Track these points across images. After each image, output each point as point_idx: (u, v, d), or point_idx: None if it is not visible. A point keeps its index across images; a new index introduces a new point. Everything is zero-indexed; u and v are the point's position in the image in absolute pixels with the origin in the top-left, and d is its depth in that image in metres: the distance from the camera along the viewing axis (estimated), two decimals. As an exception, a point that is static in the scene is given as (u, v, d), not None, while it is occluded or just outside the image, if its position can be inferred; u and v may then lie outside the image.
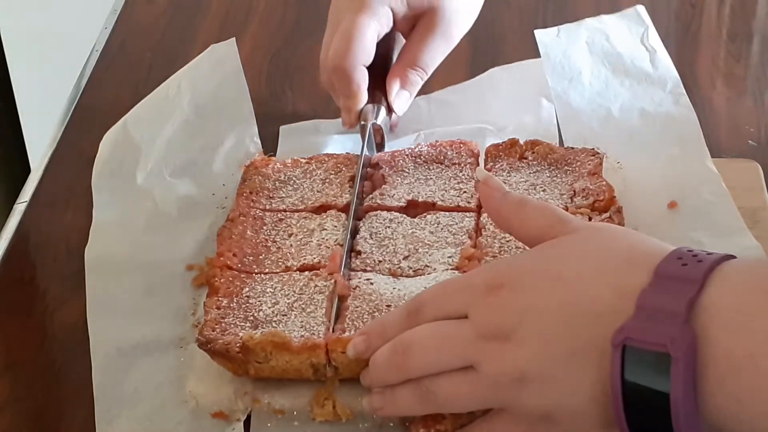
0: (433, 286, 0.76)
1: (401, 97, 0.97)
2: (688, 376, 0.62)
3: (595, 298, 0.66)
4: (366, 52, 0.94)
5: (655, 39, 1.04)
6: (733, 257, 0.66)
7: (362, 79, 0.95)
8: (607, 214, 0.85)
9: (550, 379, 0.66)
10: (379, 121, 0.95)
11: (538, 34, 1.04)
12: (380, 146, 0.96)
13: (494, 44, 1.11)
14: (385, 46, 0.98)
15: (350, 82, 0.94)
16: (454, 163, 0.91)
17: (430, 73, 0.98)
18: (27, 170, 1.31)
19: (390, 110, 0.97)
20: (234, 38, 1.04)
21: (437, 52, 0.98)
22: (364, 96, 0.95)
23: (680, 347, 0.62)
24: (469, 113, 1.02)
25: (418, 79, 0.98)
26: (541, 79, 1.02)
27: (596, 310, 0.65)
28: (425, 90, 1.01)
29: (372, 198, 0.89)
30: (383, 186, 0.90)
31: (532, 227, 0.73)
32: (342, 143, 0.98)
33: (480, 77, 1.05)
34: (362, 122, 0.95)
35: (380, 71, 0.98)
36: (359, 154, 0.93)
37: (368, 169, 0.93)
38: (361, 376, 0.75)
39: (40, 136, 1.13)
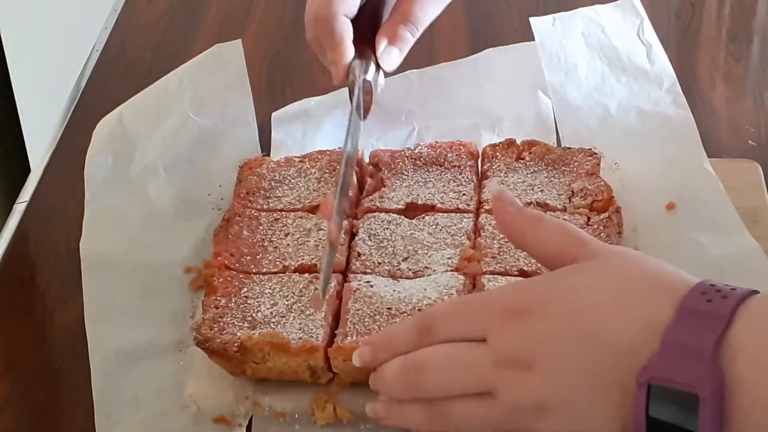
0: (444, 303, 0.75)
1: (389, 52, 0.92)
2: (715, 416, 0.61)
3: (618, 331, 0.65)
4: (348, 1, 0.91)
5: (650, 33, 1.03)
6: (757, 292, 0.65)
7: (345, 30, 0.91)
8: (606, 214, 0.85)
9: (570, 411, 0.65)
10: (368, 77, 0.91)
11: (534, 21, 1.04)
12: (368, 106, 0.91)
13: (493, 41, 1.11)
14: (375, 2, 0.95)
15: (332, 33, 0.90)
16: (454, 166, 0.91)
17: (422, 29, 0.94)
18: (27, 170, 1.31)
19: (379, 67, 0.93)
20: (240, 40, 1.04)
21: (430, 9, 0.94)
22: (348, 48, 0.91)
23: (707, 387, 0.61)
24: (463, 95, 1.01)
25: (408, 35, 0.93)
26: (537, 65, 1.01)
27: (620, 344, 0.64)
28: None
29: (371, 200, 0.89)
30: (383, 189, 0.90)
31: (548, 245, 0.71)
32: (333, 133, 0.98)
33: (475, 57, 1.04)
34: (351, 77, 0.91)
35: (371, 28, 0.94)
36: (349, 114, 0.89)
37: (369, 167, 0.92)
38: (371, 380, 0.73)
39: (40, 136, 1.12)
